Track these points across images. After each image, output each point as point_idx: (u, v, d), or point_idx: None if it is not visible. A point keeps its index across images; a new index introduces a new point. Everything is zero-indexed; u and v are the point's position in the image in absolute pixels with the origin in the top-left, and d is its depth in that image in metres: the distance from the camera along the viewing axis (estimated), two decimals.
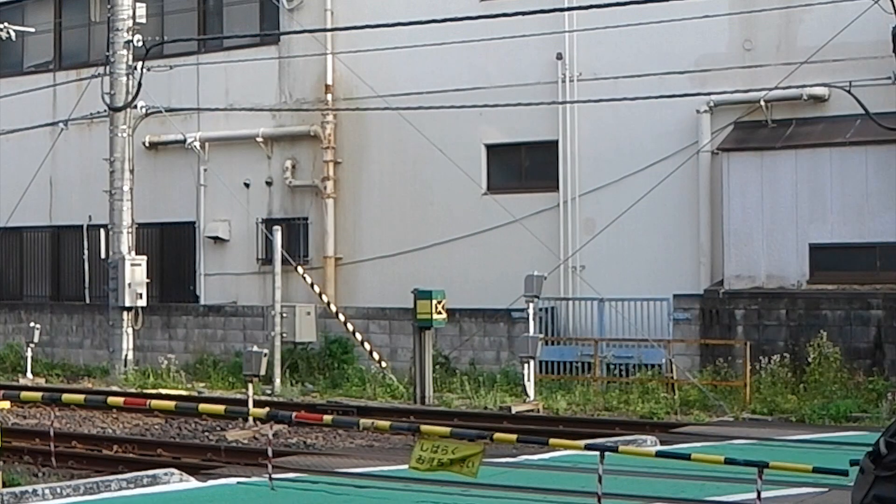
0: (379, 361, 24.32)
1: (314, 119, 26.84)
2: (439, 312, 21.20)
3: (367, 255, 26.38)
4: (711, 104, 22.59)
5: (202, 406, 15.36)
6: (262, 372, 17.90)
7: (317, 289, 25.55)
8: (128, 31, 25.77)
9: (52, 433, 15.25)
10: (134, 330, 26.10)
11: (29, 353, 26.37)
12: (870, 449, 2.81)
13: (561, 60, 24.16)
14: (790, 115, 22.04)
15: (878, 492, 2.73)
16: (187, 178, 28.39)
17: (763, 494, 9.94)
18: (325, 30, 26.10)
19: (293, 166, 27.21)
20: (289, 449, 15.71)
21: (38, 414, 19.91)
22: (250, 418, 16.78)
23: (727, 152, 22.16)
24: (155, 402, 15.01)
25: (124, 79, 25.84)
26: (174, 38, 26.92)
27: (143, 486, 12.34)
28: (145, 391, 23.17)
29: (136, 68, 25.65)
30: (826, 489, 11.61)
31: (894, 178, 20.77)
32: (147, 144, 28.62)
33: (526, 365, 20.43)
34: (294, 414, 13.19)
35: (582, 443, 12.33)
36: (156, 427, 18.68)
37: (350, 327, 24.81)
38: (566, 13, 23.44)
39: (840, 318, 20.83)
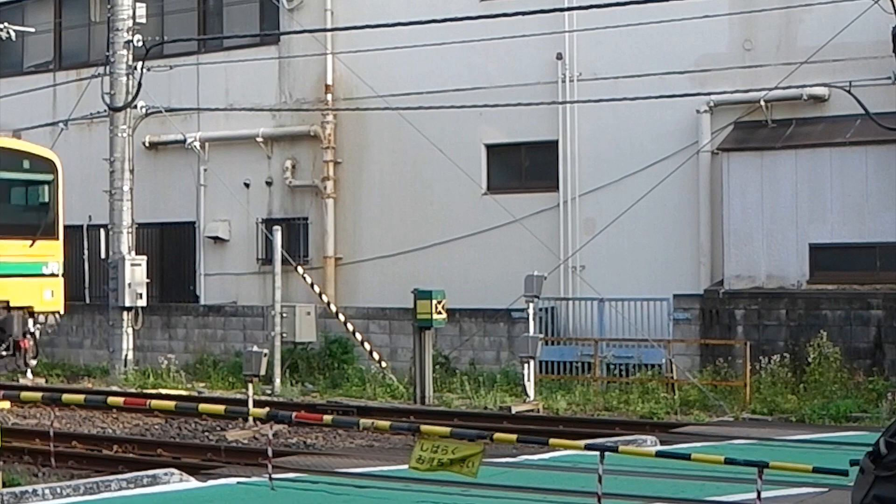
0: (379, 361, 24.32)
1: (314, 119, 26.85)
2: (439, 312, 21.19)
3: (367, 255, 26.39)
4: (711, 104, 22.60)
5: (202, 406, 15.35)
6: (262, 372, 17.89)
7: (317, 289, 25.55)
8: (128, 31, 25.77)
9: (52, 433, 15.24)
10: (134, 330, 26.09)
11: None
12: (870, 449, 2.81)
13: (561, 60, 24.17)
14: (790, 115, 22.04)
15: (878, 492, 2.73)
16: (187, 178, 28.40)
17: (763, 494, 9.94)
18: (325, 30, 26.10)
19: (293, 166, 27.22)
20: (289, 449, 15.71)
21: (38, 414, 19.90)
22: (250, 418, 16.77)
23: (727, 152, 22.17)
24: (155, 402, 15.01)
25: (124, 79, 25.84)
26: (174, 38, 26.91)
27: (143, 486, 12.34)
28: (145, 391, 23.16)
29: (136, 68, 25.65)
30: (826, 489, 11.61)
31: (894, 178, 20.77)
32: (147, 144, 28.64)
33: (526, 365, 20.43)
34: (294, 414, 13.19)
35: (582, 443, 12.32)
36: (156, 427, 18.67)
37: (350, 327, 24.81)
38: (566, 13, 23.44)
39: (840, 318, 20.83)
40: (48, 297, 23.77)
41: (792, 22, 22.10)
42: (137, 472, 12.95)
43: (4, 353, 23.18)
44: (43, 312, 23.67)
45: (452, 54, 24.43)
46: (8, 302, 23.06)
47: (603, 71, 23.59)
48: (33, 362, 23.95)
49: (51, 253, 24.01)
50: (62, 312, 24.38)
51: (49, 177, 24.46)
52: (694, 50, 22.78)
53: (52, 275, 23.95)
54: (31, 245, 23.70)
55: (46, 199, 24.65)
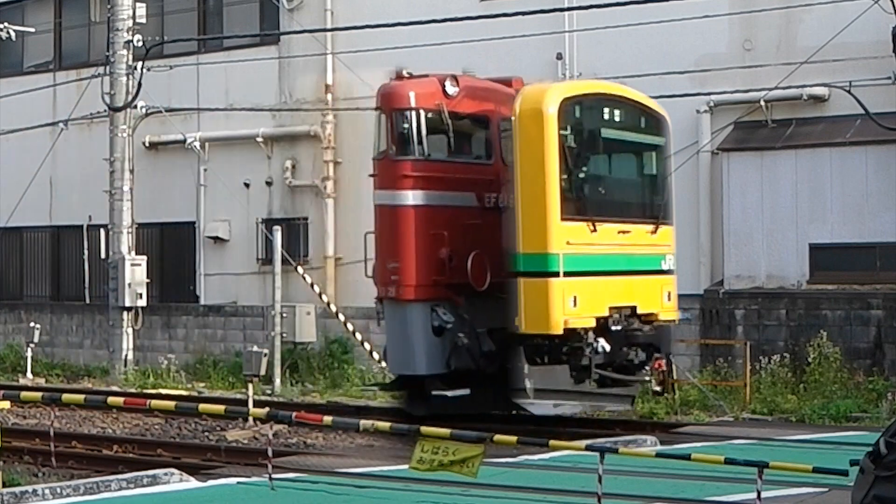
0: (379, 361, 24.29)
1: (314, 119, 26.83)
2: None
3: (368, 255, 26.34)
4: (711, 104, 22.59)
5: (202, 406, 15.35)
6: (262, 372, 17.91)
7: (317, 289, 25.54)
8: (128, 31, 25.78)
9: (52, 433, 15.25)
10: (134, 330, 26.11)
11: (29, 353, 26.39)
12: (870, 449, 2.81)
13: (561, 60, 24.15)
14: (790, 115, 22.03)
15: (878, 492, 2.74)
16: (187, 178, 28.38)
17: (763, 494, 9.94)
18: (325, 30, 26.09)
19: (293, 166, 27.20)
20: (289, 449, 15.71)
21: (38, 414, 19.90)
22: (250, 418, 16.78)
23: (727, 152, 22.16)
24: (155, 402, 15.02)
25: (124, 79, 25.85)
26: (174, 38, 26.91)
27: (143, 486, 12.34)
28: (145, 391, 23.17)
29: (136, 68, 25.66)
30: (826, 489, 11.61)
31: (894, 178, 20.77)
32: (147, 144, 28.62)
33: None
34: (294, 414, 13.19)
35: (582, 443, 12.33)
36: (156, 427, 18.67)
37: (350, 327, 24.80)
38: (566, 13, 23.44)
39: (840, 318, 20.83)
40: (666, 300, 18.30)
41: (792, 22, 22.09)
42: (137, 472, 12.97)
43: (648, 377, 18.14)
44: (665, 321, 18.28)
45: (452, 54, 24.39)
46: (635, 307, 17.71)
47: (603, 71, 23.55)
48: (659, 388, 18.72)
49: (667, 243, 18.56)
50: (678, 321, 19.01)
51: (661, 140, 18.76)
52: (694, 50, 22.77)
53: (669, 272, 18.47)
54: (654, 232, 18.27)
55: (656, 171, 18.96)
